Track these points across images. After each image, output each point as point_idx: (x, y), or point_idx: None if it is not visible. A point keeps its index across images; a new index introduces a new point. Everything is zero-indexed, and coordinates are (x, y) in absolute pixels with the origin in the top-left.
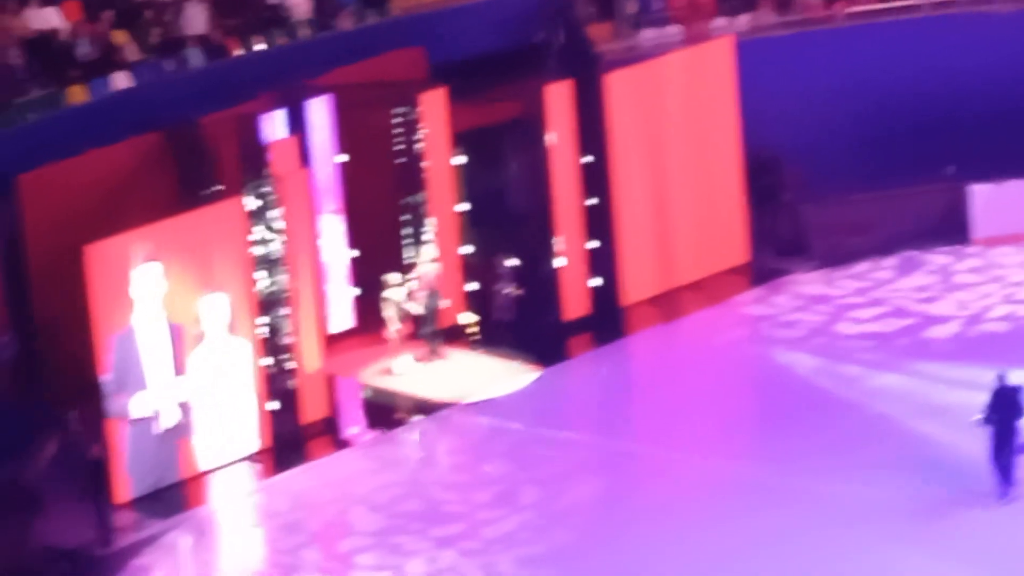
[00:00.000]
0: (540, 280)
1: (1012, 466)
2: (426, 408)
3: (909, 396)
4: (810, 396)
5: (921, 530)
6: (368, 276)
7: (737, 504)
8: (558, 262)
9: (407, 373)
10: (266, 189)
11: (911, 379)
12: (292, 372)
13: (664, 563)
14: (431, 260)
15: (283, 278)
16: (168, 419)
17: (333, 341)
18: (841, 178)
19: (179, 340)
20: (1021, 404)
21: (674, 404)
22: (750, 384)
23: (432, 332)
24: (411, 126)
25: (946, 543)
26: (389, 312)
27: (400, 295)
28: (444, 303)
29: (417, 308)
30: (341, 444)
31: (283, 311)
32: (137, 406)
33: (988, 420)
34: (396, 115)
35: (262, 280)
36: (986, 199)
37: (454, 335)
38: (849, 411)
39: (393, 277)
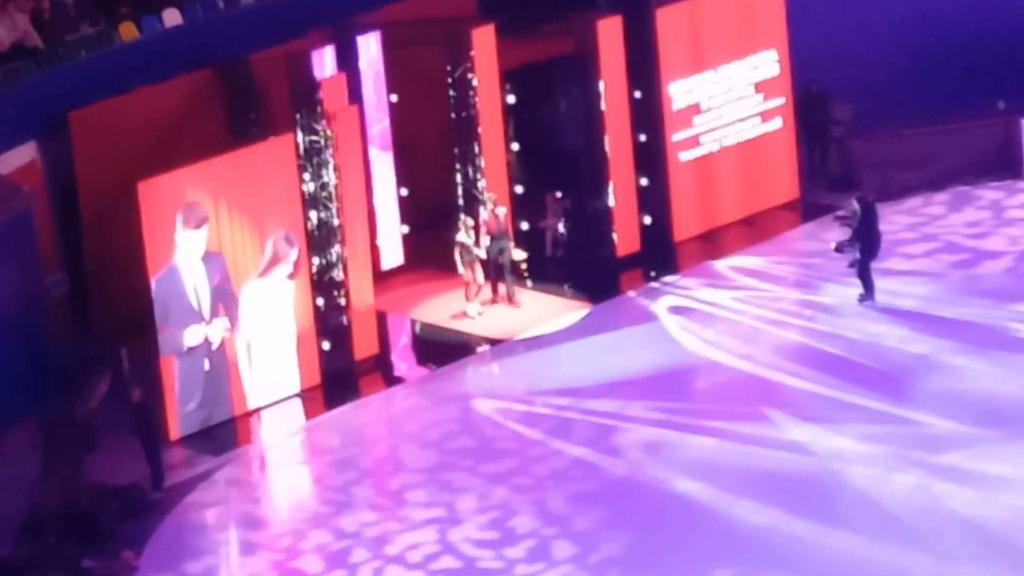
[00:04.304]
0: (591, 217)
1: (865, 273)
2: (478, 344)
3: (960, 331)
4: (861, 332)
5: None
6: (418, 213)
7: (786, 438)
8: (609, 199)
9: (479, 317)
10: (316, 126)
11: (962, 314)
12: (343, 309)
13: (716, 500)
14: (496, 203)
15: (334, 215)
16: (218, 354)
17: (384, 278)
18: (892, 113)
19: (226, 275)
20: (877, 216)
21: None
22: (799, 318)
23: (507, 277)
24: (461, 62)
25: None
26: (457, 256)
27: (468, 238)
28: (512, 249)
29: (482, 252)
30: (392, 381)
31: (334, 248)
32: (186, 339)
33: (857, 238)
34: (446, 51)
35: (313, 217)
36: None
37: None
38: (900, 346)
39: (466, 221)
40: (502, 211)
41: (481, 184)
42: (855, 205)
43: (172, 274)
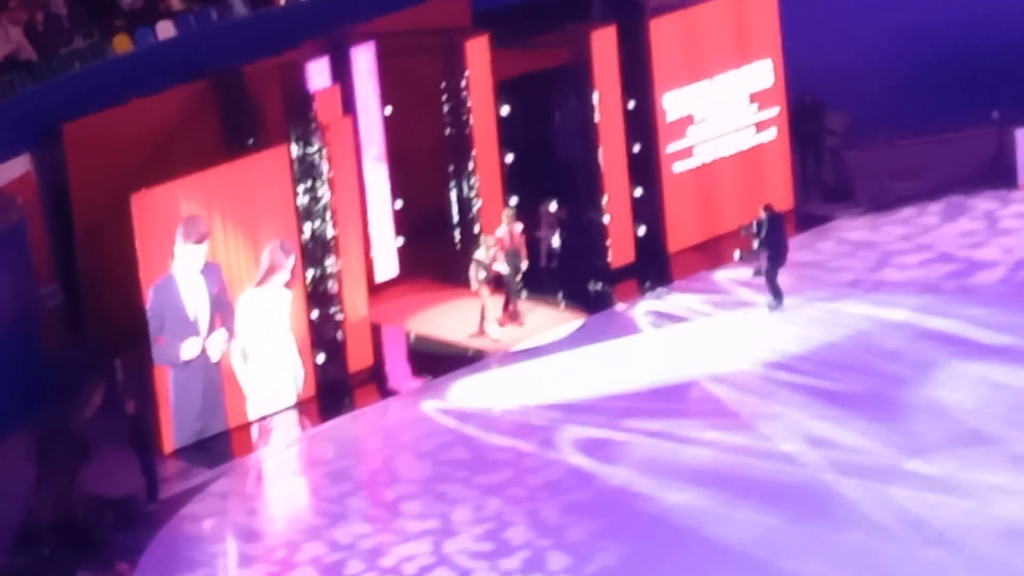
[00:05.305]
0: (585, 228)
1: (773, 281)
2: (472, 356)
3: (954, 341)
4: (857, 343)
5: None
6: (413, 225)
7: (779, 450)
8: (604, 209)
9: (498, 336)
10: (311, 137)
11: (956, 324)
12: (338, 321)
13: (710, 512)
14: (510, 220)
15: (328, 227)
16: (214, 365)
17: (378, 290)
18: (886, 123)
19: (223, 287)
20: (784, 228)
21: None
22: (793, 327)
23: (514, 293)
24: (455, 73)
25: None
26: (472, 273)
27: (487, 257)
28: (524, 264)
29: (504, 267)
30: (387, 392)
31: (328, 260)
32: (183, 352)
33: (762, 245)
34: (440, 62)
35: (307, 229)
36: None
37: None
38: (893, 356)
39: (487, 239)
40: (518, 227)
41: (477, 204)
42: (762, 214)
43: (169, 284)
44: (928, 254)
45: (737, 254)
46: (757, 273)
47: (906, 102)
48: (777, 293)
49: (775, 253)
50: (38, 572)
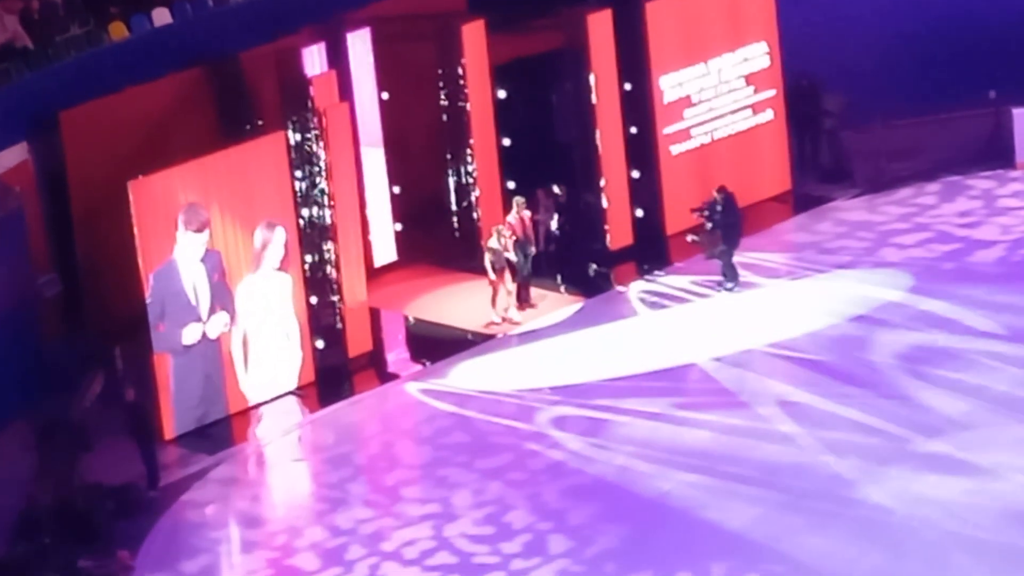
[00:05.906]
0: (583, 211)
1: (729, 262)
2: (471, 340)
3: (952, 320)
4: (855, 323)
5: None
6: (410, 210)
7: (778, 431)
8: (601, 193)
9: (507, 324)
10: (308, 123)
11: (955, 303)
12: (336, 306)
13: (710, 494)
14: (520, 207)
15: (326, 212)
16: (214, 352)
17: (377, 275)
18: (883, 103)
19: (222, 272)
20: (739, 210)
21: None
22: (789, 309)
23: (523, 279)
24: (451, 58)
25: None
26: (488, 262)
27: (499, 244)
28: (533, 249)
29: (513, 255)
30: (386, 377)
31: (327, 245)
32: (184, 337)
33: (717, 226)
34: (436, 47)
35: (305, 215)
36: None
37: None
38: (891, 336)
39: (500, 228)
40: (528, 215)
41: (474, 189)
42: (716, 196)
43: (171, 270)
44: (926, 234)
45: (690, 237)
46: (710, 256)
47: (903, 82)
48: (733, 274)
49: (729, 234)
50: (39, 561)
